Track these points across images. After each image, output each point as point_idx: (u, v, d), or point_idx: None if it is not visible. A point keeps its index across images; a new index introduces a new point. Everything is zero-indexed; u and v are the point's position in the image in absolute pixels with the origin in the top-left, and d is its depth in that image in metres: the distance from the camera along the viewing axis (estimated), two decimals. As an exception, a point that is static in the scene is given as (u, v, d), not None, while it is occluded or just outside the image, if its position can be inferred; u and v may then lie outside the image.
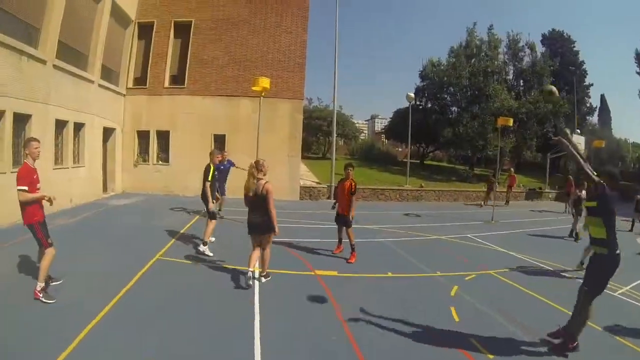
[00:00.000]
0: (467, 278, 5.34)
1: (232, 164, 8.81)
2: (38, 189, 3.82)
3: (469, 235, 8.47)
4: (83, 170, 10.29)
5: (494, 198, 12.48)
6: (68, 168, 9.50)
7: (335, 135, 14.23)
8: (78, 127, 10.08)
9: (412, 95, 16.17)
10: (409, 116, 15.62)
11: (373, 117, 74.05)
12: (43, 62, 8.32)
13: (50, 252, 3.77)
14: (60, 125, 9.23)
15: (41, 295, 3.62)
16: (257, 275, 4.67)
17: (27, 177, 3.66)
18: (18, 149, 7.71)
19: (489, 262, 6.31)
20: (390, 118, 27.55)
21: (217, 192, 7.48)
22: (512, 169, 17.05)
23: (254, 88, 8.05)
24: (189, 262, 5.43)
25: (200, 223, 8.06)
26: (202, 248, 5.74)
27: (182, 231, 7.30)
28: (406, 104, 17.47)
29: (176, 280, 4.70)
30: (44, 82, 8.44)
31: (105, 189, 12.07)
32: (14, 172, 7.60)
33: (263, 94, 8.13)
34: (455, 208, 13.80)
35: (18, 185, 3.60)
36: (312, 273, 5.22)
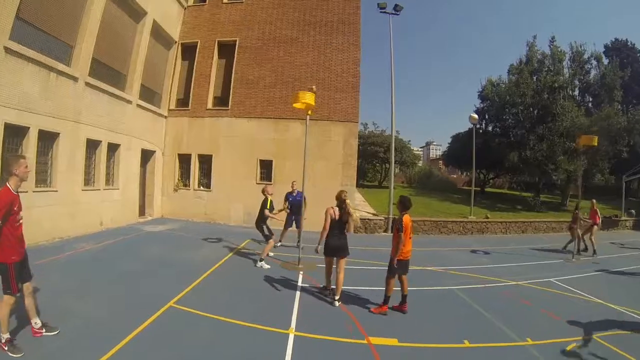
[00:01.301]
0: (568, 348, 3.94)
1: (301, 197, 7.61)
2: (19, 221, 3.08)
3: (551, 280, 6.78)
4: (117, 193, 9.76)
5: (581, 235, 9.82)
6: (99, 190, 9.02)
7: (393, 162, 12.73)
8: (113, 147, 9.59)
9: (476, 116, 14.40)
10: (473, 139, 13.81)
11: (428, 144, 71.62)
12: (74, 79, 7.94)
13: (9, 300, 3.02)
14: (92, 145, 8.77)
15: (6, 347, 2.98)
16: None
17: (6, 209, 2.90)
18: (44, 167, 7.44)
19: (587, 320, 4.75)
20: (448, 143, 25.63)
21: (293, 224, 7.99)
22: (594, 201, 10.75)
23: (295, 105, 6.68)
24: (207, 315, 4.28)
25: (236, 257, 7.20)
26: (259, 263, 6.57)
27: (212, 269, 6.24)
28: (464, 128, 15.76)
29: (186, 337, 3.72)
30: (75, 100, 8.03)
31: (142, 213, 11.42)
32: (37, 191, 7.06)
33: (309, 112, 6.79)
34: (526, 242, 11.67)
35: None
36: (365, 342, 3.83)
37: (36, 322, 3.31)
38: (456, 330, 4.25)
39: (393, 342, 3.85)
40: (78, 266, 5.95)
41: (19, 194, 3.14)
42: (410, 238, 4.66)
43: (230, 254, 7.36)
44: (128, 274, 5.63)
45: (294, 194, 8.04)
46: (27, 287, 3.24)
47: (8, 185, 2.97)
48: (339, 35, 11.95)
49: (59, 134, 7.57)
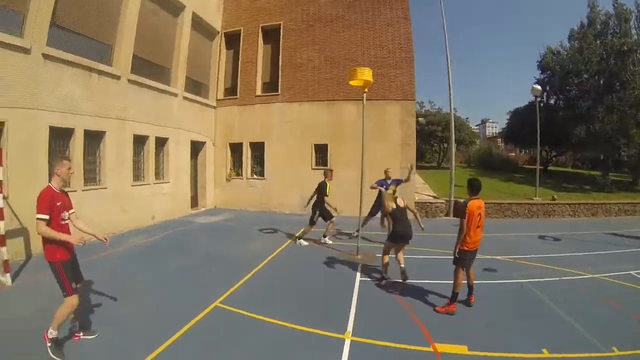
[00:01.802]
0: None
1: (399, 182, 7.20)
2: (65, 220, 3.12)
3: (632, 273, 5.77)
4: (167, 186, 9.84)
5: None
6: (150, 184, 9.10)
7: (453, 141, 11.95)
8: (161, 141, 9.64)
9: (538, 87, 13.13)
10: (537, 112, 12.63)
11: (484, 122, 67.66)
12: (117, 77, 7.99)
13: (70, 302, 3.02)
14: (139, 140, 8.83)
15: (49, 344, 2.96)
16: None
17: (47, 203, 2.93)
18: (93, 166, 7.58)
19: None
20: (507, 120, 23.91)
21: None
22: None
23: (351, 82, 6.11)
24: (253, 315, 3.94)
25: (290, 249, 6.92)
26: (323, 239, 7.23)
27: (263, 263, 5.93)
28: (523, 103, 14.46)
29: (228, 343, 3.40)
30: (119, 98, 8.08)
31: (195, 204, 11.55)
32: (85, 190, 7.08)
33: (366, 90, 6.25)
34: (598, 226, 10.50)
35: (37, 212, 2.89)
36: (431, 350, 3.33)
37: (75, 325, 3.32)
38: (532, 335, 3.64)
39: (462, 350, 3.31)
40: (126, 262, 5.88)
41: (67, 193, 3.22)
42: (478, 227, 4.08)
43: (284, 246, 7.08)
44: (175, 270, 5.46)
45: (389, 182, 7.42)
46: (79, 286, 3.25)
47: (50, 184, 3.06)
48: (386, 9, 11.22)
49: (104, 132, 7.68)
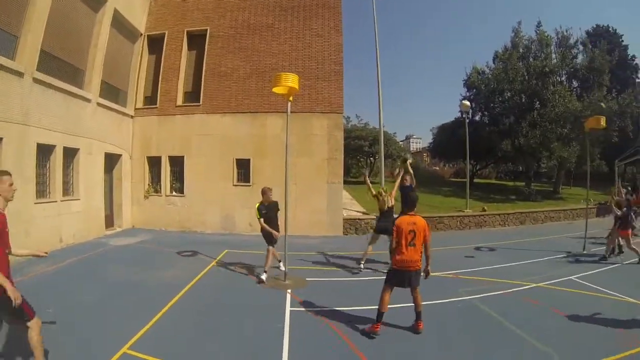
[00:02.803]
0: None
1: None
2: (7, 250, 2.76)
3: (572, 278, 6.02)
4: (77, 204, 8.60)
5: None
6: (56, 201, 7.89)
7: (383, 155, 11.84)
8: (70, 152, 8.44)
9: (467, 102, 13.64)
10: (466, 127, 13.01)
11: (408, 137, 70.39)
12: (19, 74, 6.77)
13: (37, 324, 2.76)
14: (44, 150, 7.61)
15: None
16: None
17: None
18: None
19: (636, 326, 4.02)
20: (433, 135, 24.89)
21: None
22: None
23: (275, 90, 5.74)
24: None
25: (211, 275, 6.18)
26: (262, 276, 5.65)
27: (181, 292, 5.17)
28: (444, 120, 14.98)
29: None
30: (21, 99, 6.88)
31: (111, 224, 10.32)
32: None
33: (291, 99, 5.83)
34: (527, 234, 11.04)
35: None
36: None
37: None
38: (487, 356, 3.45)
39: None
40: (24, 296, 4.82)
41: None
42: (410, 245, 3.75)
43: (205, 271, 6.32)
44: (80, 306, 4.55)
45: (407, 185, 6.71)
46: None
47: None
48: (318, 20, 11.01)
49: (1, 138, 6.46)
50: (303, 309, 4.61)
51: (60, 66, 8.12)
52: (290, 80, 5.48)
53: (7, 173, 2.87)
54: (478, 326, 4.12)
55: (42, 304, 4.38)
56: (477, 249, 8.66)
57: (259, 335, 3.85)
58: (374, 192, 6.52)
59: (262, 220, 5.64)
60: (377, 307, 3.83)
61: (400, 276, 3.82)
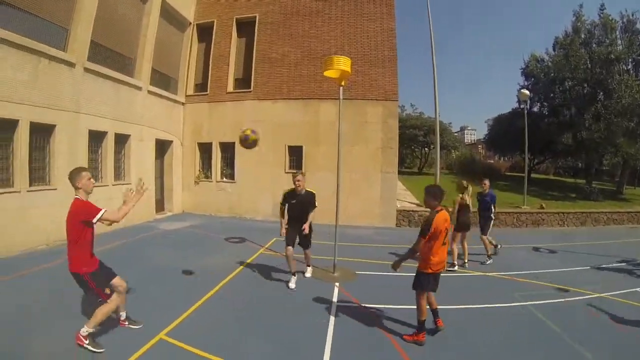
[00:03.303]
0: None
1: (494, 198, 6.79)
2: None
3: (638, 290, 5.18)
4: (128, 188, 8.69)
5: None
6: (108, 185, 8.11)
7: (439, 146, 11.25)
8: (121, 139, 8.64)
9: (527, 91, 12.60)
10: (525, 118, 12.06)
11: (463, 129, 67.76)
12: (71, 64, 7.00)
13: (109, 306, 3.11)
14: (96, 136, 7.83)
15: (86, 342, 2.96)
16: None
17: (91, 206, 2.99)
18: (38, 163, 6.62)
19: None
20: (489, 126, 23.66)
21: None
22: None
23: (326, 73, 5.37)
24: (202, 354, 3.06)
25: (257, 264, 5.90)
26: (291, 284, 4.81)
27: (225, 280, 4.99)
28: (501, 111, 14.00)
29: None
30: (73, 88, 7.10)
31: (161, 208, 10.56)
32: (31, 190, 5.86)
33: (343, 83, 5.49)
34: (590, 236, 10.01)
35: (95, 214, 2.97)
36: None
37: (122, 314, 3.40)
38: None
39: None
40: (64, 278, 4.83)
41: None
42: (444, 244, 3.30)
43: (252, 258, 6.18)
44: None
45: (486, 192, 6.78)
46: (117, 280, 3.24)
47: (78, 196, 3.01)
48: (369, 4, 10.57)
49: (54, 125, 6.71)
50: (350, 304, 4.30)
51: (111, 56, 8.33)
52: (342, 63, 5.15)
53: (85, 169, 3.17)
54: (533, 337, 3.62)
55: (76, 288, 4.40)
56: (536, 249, 7.92)
57: (301, 331, 3.58)
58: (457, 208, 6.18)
59: (282, 208, 4.83)
60: (442, 306, 3.54)
61: (436, 279, 3.38)
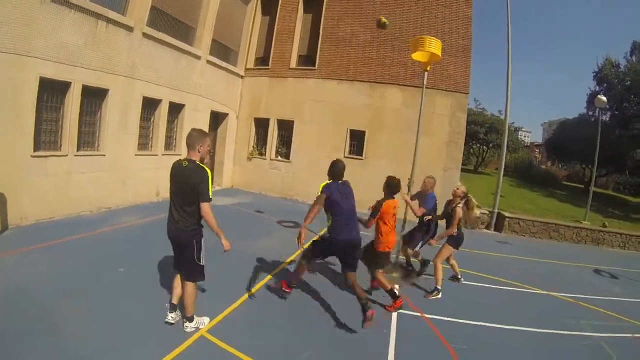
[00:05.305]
0: None
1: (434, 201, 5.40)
2: None
3: None
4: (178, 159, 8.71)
5: None
6: (157, 155, 7.95)
7: (505, 147, 10.65)
8: (176, 108, 8.48)
9: (603, 98, 11.59)
10: (599, 127, 11.16)
11: (517, 130, 65.21)
12: (129, 29, 6.82)
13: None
14: (149, 104, 7.66)
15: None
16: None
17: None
18: (88, 128, 6.48)
19: None
20: (546, 130, 22.36)
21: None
22: None
23: (414, 56, 4.94)
24: (236, 353, 2.81)
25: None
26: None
27: (277, 270, 4.68)
28: (558, 115, 12.91)
29: None
30: (130, 53, 6.92)
31: (210, 182, 10.55)
32: (78, 155, 5.54)
33: (428, 68, 5.06)
34: None
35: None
36: None
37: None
38: None
39: None
40: (104, 247, 4.67)
41: None
42: (391, 226, 3.98)
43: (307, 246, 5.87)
44: (159, 268, 4.15)
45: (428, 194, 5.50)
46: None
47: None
48: (446, -13, 9.90)
49: (107, 90, 6.55)
50: (413, 313, 3.98)
51: (171, 23, 8.11)
52: (434, 46, 4.69)
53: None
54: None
55: (118, 260, 4.21)
56: (597, 272, 7.24)
57: (357, 339, 3.25)
58: None
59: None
60: (502, 325, 3.82)
61: (387, 256, 4.18)
